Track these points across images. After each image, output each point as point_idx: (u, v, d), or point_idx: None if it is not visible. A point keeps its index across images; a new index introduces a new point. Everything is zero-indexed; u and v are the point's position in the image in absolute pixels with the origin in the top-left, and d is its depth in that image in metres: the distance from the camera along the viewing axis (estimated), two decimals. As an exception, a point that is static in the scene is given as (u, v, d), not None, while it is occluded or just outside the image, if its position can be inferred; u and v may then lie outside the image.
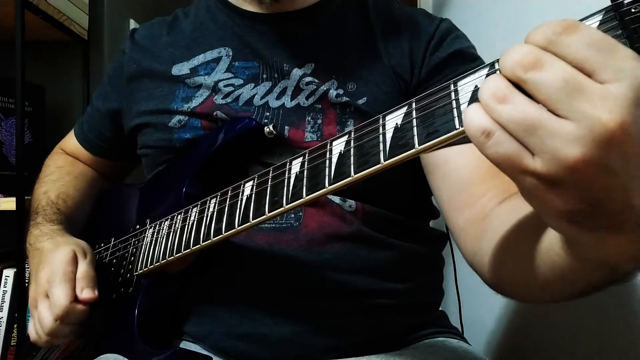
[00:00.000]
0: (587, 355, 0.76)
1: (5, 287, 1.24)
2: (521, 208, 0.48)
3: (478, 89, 0.34)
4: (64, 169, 0.90)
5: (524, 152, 0.30)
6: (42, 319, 0.67)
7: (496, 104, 0.30)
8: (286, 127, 0.69)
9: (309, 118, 0.69)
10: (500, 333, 1.11)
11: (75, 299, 0.66)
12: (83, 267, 0.70)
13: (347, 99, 0.68)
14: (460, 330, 0.83)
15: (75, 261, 0.70)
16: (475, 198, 0.59)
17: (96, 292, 0.68)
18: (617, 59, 0.28)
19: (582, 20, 0.31)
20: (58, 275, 0.67)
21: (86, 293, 0.67)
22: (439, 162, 0.66)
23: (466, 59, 0.70)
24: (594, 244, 0.35)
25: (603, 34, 0.29)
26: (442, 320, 0.78)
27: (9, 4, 1.24)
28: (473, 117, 0.31)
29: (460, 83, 0.35)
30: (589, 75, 0.29)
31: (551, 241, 0.41)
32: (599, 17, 0.30)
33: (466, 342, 0.76)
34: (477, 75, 0.34)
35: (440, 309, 0.80)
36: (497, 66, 0.32)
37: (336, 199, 0.68)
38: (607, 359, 0.72)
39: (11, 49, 1.24)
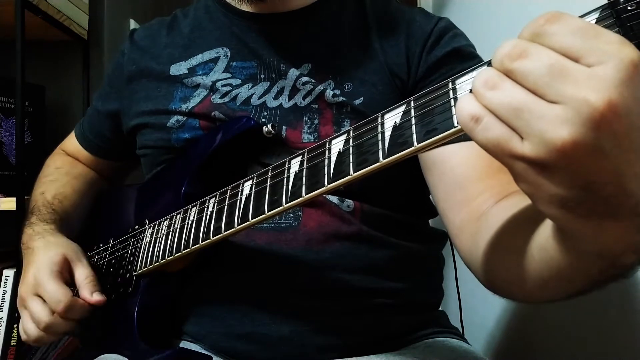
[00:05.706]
0: (587, 355, 0.76)
1: (5, 287, 1.24)
2: (517, 204, 0.48)
3: None
4: (62, 170, 0.90)
5: (512, 135, 0.30)
6: (36, 315, 0.67)
7: (486, 90, 0.31)
8: (284, 127, 0.69)
9: (306, 118, 0.69)
10: (500, 333, 1.11)
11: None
12: (84, 269, 0.71)
13: (343, 99, 0.68)
14: (460, 330, 0.82)
15: (64, 263, 0.70)
16: (471, 197, 0.59)
17: (104, 295, 0.69)
18: (601, 43, 0.28)
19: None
20: (46, 273, 0.68)
21: (97, 296, 0.68)
22: (436, 161, 0.65)
23: (464, 58, 0.69)
24: (590, 233, 0.34)
25: (586, 21, 0.29)
26: (442, 320, 0.78)
27: (9, 4, 1.25)
28: (464, 106, 0.32)
29: (458, 81, 0.35)
30: (575, 61, 0.29)
31: (548, 236, 0.40)
32: (595, 15, 0.31)
33: (466, 342, 0.76)
34: (475, 73, 0.34)
35: (440, 308, 0.80)
36: None
37: (334, 199, 0.68)
38: (607, 359, 0.72)
39: (11, 49, 1.24)
